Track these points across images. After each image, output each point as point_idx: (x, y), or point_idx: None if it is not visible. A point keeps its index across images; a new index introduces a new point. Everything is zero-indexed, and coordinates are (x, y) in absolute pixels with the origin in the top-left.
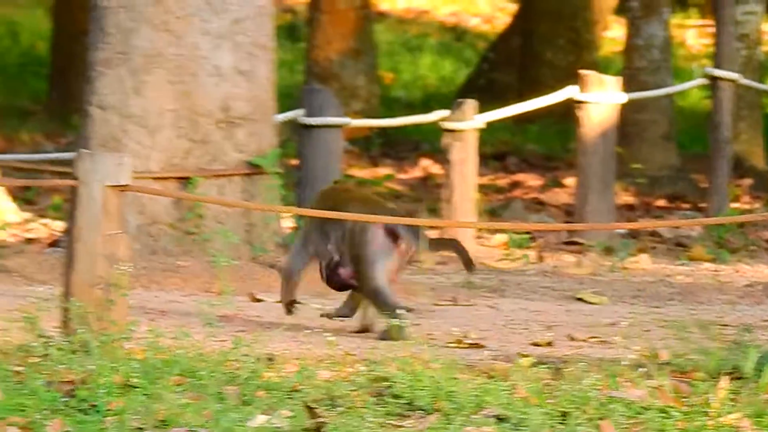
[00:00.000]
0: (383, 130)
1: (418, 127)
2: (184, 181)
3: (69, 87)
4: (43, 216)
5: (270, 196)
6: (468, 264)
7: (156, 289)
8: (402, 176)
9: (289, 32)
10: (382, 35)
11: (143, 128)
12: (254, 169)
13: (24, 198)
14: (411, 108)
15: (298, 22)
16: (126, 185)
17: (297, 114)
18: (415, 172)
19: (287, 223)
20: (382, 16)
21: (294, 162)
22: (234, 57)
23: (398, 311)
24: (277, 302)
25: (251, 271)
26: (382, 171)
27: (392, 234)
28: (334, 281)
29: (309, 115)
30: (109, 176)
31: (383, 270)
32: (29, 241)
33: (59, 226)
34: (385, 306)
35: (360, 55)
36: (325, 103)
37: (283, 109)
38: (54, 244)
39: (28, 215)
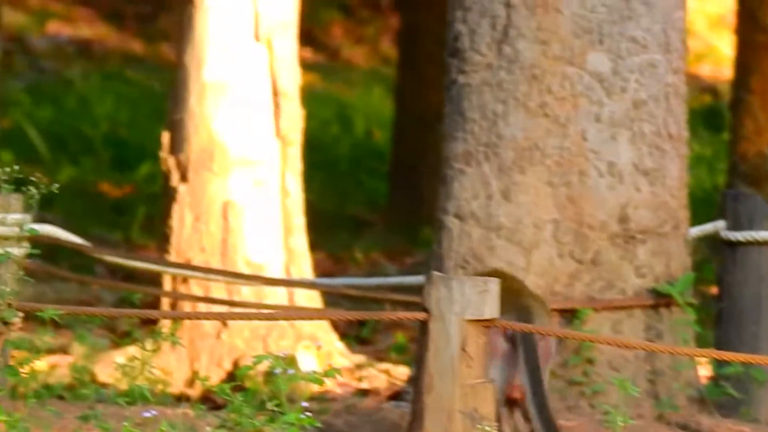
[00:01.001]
0: None
1: None
2: (569, 314)
3: (416, 189)
4: (381, 360)
5: (682, 335)
6: None
7: None
8: None
9: (708, 118)
10: None
11: (515, 244)
12: (661, 299)
13: (357, 336)
14: None
15: (720, 105)
16: (492, 319)
17: (718, 227)
18: None
19: (704, 371)
20: None
21: (713, 290)
22: (634, 151)
23: None
24: None
25: None
26: None
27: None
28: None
29: (734, 228)
30: (471, 307)
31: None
32: (363, 392)
33: (402, 372)
34: None
35: None
36: (756, 212)
37: (698, 220)
38: (396, 396)
39: (361, 359)
